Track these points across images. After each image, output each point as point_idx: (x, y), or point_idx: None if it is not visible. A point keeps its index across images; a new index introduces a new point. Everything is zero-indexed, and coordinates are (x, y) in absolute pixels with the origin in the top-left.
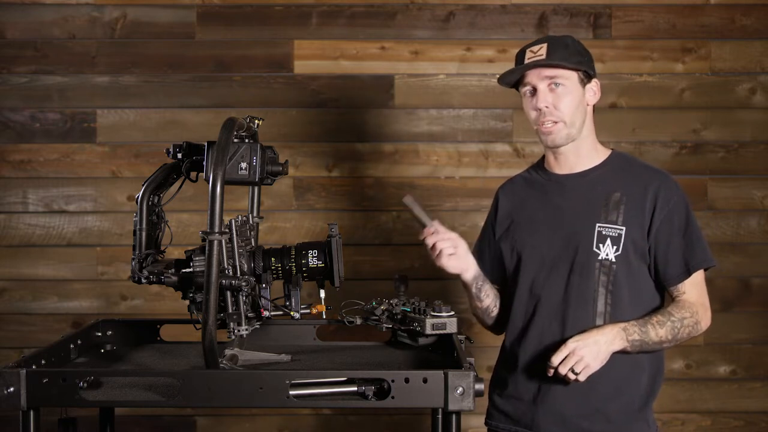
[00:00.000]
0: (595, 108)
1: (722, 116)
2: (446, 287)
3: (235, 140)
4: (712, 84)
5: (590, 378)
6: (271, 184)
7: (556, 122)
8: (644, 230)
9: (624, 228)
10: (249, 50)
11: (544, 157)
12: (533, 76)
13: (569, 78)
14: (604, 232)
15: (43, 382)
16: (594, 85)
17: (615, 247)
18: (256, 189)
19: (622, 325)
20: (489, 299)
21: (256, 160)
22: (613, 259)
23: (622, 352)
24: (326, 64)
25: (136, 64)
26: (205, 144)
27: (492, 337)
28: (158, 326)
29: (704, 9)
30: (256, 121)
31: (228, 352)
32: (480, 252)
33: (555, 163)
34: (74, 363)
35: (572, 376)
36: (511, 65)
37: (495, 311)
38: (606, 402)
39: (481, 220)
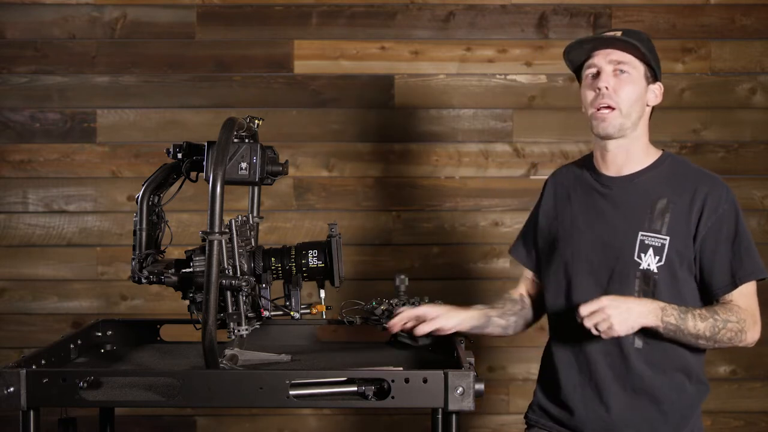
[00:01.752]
0: (653, 111)
1: (722, 116)
2: (446, 287)
3: (235, 140)
4: (712, 84)
5: (635, 385)
6: (271, 184)
7: (612, 108)
8: (690, 239)
9: (668, 238)
10: (249, 50)
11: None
12: (600, 58)
13: (636, 68)
14: (646, 242)
15: (43, 382)
16: (657, 88)
17: (657, 257)
18: (256, 189)
19: (662, 304)
20: (498, 329)
21: (256, 160)
22: (655, 270)
23: (653, 333)
24: (326, 64)
25: (136, 64)
26: (205, 144)
27: (493, 337)
28: (158, 326)
29: (704, 9)
30: (256, 121)
31: (228, 352)
32: (524, 239)
33: (602, 163)
34: (74, 363)
35: (595, 332)
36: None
37: (511, 330)
38: (652, 410)
39: (481, 219)
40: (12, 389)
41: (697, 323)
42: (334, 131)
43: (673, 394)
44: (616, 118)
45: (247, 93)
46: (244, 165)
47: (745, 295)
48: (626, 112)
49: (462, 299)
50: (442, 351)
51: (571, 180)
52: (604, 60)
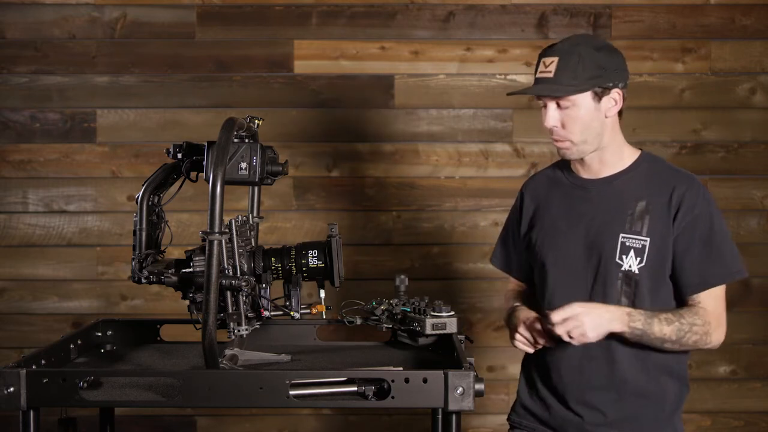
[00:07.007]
0: (622, 110)
1: (722, 116)
2: (446, 287)
3: (235, 140)
4: (712, 84)
5: (620, 385)
6: (271, 184)
7: (564, 140)
8: (669, 240)
9: (648, 239)
10: (249, 50)
11: None
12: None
13: (578, 98)
14: (627, 243)
15: (43, 382)
16: (614, 95)
17: (639, 259)
18: (256, 189)
19: (629, 309)
20: None
21: (256, 160)
22: (637, 271)
23: (620, 338)
24: (326, 64)
25: (136, 64)
26: (205, 144)
27: (493, 337)
28: (158, 326)
29: (704, 9)
30: (256, 121)
31: (228, 352)
32: (505, 249)
33: (580, 167)
34: (74, 363)
35: (566, 338)
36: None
37: None
38: (637, 409)
39: (481, 219)
40: (12, 389)
41: (663, 327)
42: (334, 131)
43: (656, 395)
44: (571, 148)
45: (247, 93)
46: (244, 165)
47: (713, 297)
48: (580, 140)
49: (462, 299)
50: (442, 351)
51: (548, 185)
52: (546, 97)
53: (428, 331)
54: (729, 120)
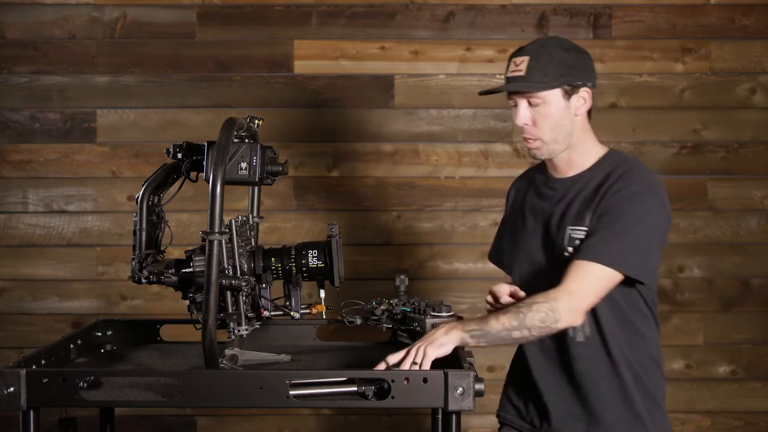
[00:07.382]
0: (591, 111)
1: (722, 116)
2: (446, 287)
3: (235, 140)
4: (712, 84)
5: (576, 378)
6: (271, 184)
7: (535, 139)
8: None
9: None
10: (249, 50)
11: None
12: (512, 93)
13: (548, 95)
14: (573, 235)
15: (43, 382)
16: (583, 94)
17: None
18: (256, 189)
19: (462, 319)
20: None
21: (256, 160)
22: None
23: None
24: (326, 64)
25: (136, 64)
26: (205, 144)
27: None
28: (158, 326)
29: (704, 9)
30: (256, 121)
31: (228, 352)
32: (499, 245)
33: (551, 167)
34: (74, 363)
35: (415, 366)
36: None
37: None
38: (605, 405)
39: (481, 219)
40: (12, 389)
41: (499, 318)
42: (334, 131)
43: (623, 389)
44: (541, 148)
45: (247, 93)
46: (244, 165)
47: (581, 272)
48: (550, 139)
49: (462, 299)
50: None
51: (527, 184)
52: (516, 94)
53: (428, 331)
54: (729, 120)
